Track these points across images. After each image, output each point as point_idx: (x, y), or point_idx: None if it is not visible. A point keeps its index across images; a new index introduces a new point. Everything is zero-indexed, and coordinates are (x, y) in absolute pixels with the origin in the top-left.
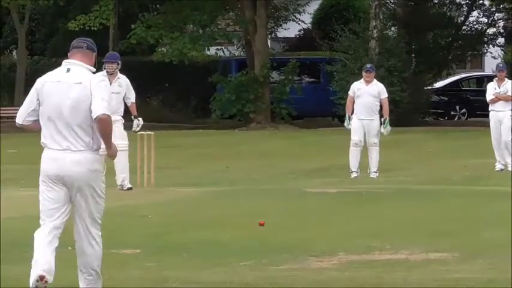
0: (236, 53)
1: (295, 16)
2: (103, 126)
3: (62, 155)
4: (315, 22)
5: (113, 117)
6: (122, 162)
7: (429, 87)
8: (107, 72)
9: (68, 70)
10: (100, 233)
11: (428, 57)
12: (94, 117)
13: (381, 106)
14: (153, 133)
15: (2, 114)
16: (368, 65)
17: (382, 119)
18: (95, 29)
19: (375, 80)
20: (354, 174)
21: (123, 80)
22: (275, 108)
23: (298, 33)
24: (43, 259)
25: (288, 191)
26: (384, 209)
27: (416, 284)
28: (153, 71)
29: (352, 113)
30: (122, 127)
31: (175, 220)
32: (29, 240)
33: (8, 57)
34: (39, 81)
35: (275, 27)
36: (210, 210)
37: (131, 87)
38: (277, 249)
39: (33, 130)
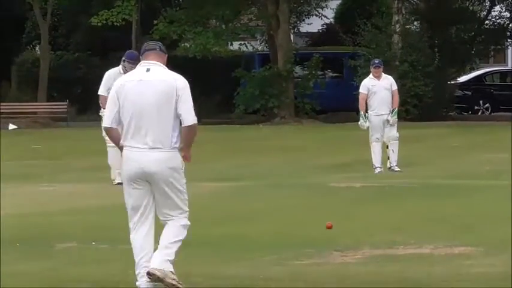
0: (259, 48)
1: (317, 11)
2: (191, 134)
3: (144, 153)
4: (338, 17)
5: None
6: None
7: (452, 82)
8: (125, 71)
9: (148, 70)
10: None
11: (451, 52)
12: (185, 124)
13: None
14: None
15: (25, 110)
16: (376, 61)
17: (391, 109)
18: (118, 24)
19: (383, 74)
20: (378, 170)
21: None
22: (299, 103)
23: (321, 27)
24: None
25: (312, 186)
26: (407, 204)
27: (440, 279)
28: (176, 66)
29: (366, 110)
30: None
31: (200, 215)
32: (50, 235)
33: (30, 53)
34: (118, 82)
35: (298, 22)
36: (234, 205)
37: None
38: (301, 244)
39: (114, 140)
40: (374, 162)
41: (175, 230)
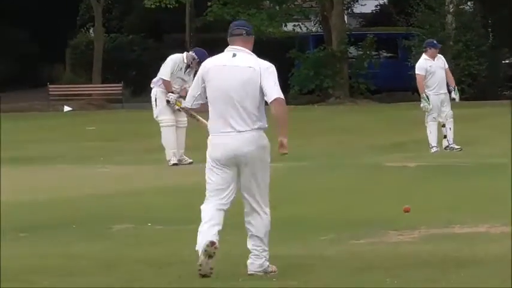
0: (313, 29)
1: None
2: (279, 108)
3: (232, 136)
4: None
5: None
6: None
7: (507, 61)
8: (188, 64)
9: (234, 55)
10: (268, 206)
11: (504, 32)
12: (270, 100)
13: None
14: None
15: (79, 92)
16: (434, 41)
17: (452, 87)
18: (171, 6)
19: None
20: (434, 149)
21: (193, 71)
22: (353, 83)
23: (374, 8)
24: (209, 232)
25: (367, 166)
26: (463, 183)
27: (496, 257)
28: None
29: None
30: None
31: None
32: (106, 217)
33: (84, 35)
34: (204, 66)
35: (351, 2)
36: (289, 186)
37: None
38: (357, 224)
39: (202, 111)
40: (430, 141)
41: (266, 224)
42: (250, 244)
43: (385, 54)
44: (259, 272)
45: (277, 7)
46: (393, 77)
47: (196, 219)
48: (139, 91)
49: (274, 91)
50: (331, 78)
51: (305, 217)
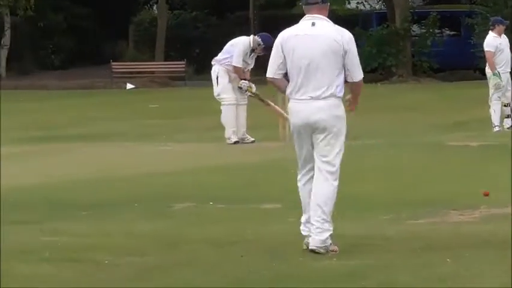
0: (376, 7)
1: None
2: (357, 89)
3: (310, 103)
4: None
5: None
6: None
7: None
8: (254, 51)
9: (313, 24)
10: (337, 179)
11: None
12: (353, 80)
13: None
14: None
15: (142, 69)
16: (501, 18)
17: None
18: None
19: None
20: (497, 128)
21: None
22: (416, 61)
23: None
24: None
25: (429, 145)
26: None
27: None
28: (293, 25)
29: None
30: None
31: None
32: (167, 196)
33: (148, 12)
34: (282, 36)
35: None
36: (350, 164)
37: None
38: (417, 203)
39: (280, 88)
40: (493, 120)
41: (328, 192)
42: (311, 218)
43: (448, 32)
44: (321, 248)
45: None
46: (456, 55)
47: (258, 198)
48: (202, 69)
49: (356, 72)
50: (394, 56)
51: (365, 195)
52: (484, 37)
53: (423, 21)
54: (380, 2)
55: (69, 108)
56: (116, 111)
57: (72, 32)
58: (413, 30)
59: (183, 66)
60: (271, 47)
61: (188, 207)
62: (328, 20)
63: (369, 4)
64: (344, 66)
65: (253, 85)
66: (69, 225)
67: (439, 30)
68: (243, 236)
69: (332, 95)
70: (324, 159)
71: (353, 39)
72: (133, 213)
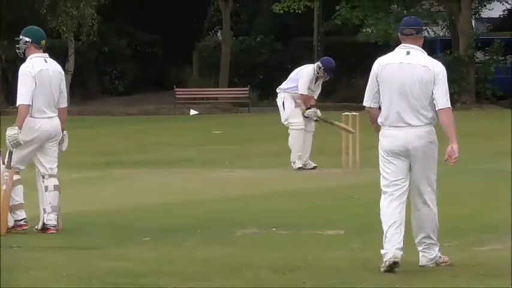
0: (440, 33)
1: None
2: (447, 118)
3: (406, 130)
4: None
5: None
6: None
7: None
8: (318, 74)
9: (408, 53)
10: (436, 201)
11: None
12: (439, 108)
13: None
14: (357, 113)
15: (206, 95)
16: None
17: None
18: (299, 11)
19: None
20: None
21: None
22: (480, 88)
23: (502, 13)
24: (394, 241)
25: (493, 171)
26: None
27: None
28: (358, 52)
29: None
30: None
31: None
32: (231, 221)
33: (212, 38)
34: (379, 64)
35: (479, 7)
36: None
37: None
38: (481, 229)
39: (373, 118)
40: None
41: (431, 220)
42: (417, 239)
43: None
44: (430, 264)
45: (405, 11)
46: None
47: (321, 224)
48: (266, 94)
49: (444, 100)
50: (457, 83)
51: None
52: None
53: (487, 48)
54: (444, 29)
55: (133, 134)
56: (179, 137)
57: (136, 57)
58: (476, 57)
59: (247, 92)
60: (332, 69)
61: (251, 233)
62: (423, 50)
63: (433, 31)
64: (433, 94)
65: (318, 110)
66: (132, 251)
67: (503, 57)
68: (305, 262)
69: (426, 123)
70: (421, 188)
71: (444, 72)
72: (197, 239)
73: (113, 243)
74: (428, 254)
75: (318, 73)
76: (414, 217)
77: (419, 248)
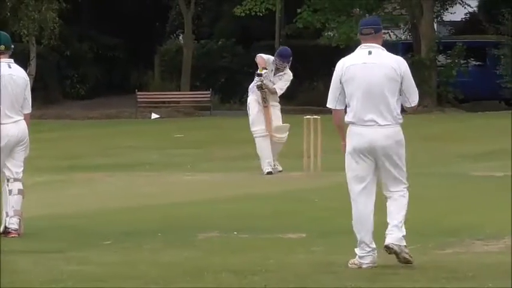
0: (402, 37)
1: (461, 0)
2: (412, 111)
3: (374, 129)
4: (481, 5)
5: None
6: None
7: None
8: (276, 67)
9: (370, 53)
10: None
11: None
12: (410, 104)
13: None
14: (319, 117)
15: (167, 99)
16: None
17: None
18: (261, 14)
19: None
20: None
21: (286, 76)
22: (441, 91)
23: (464, 16)
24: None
25: (453, 175)
26: None
27: None
28: (319, 55)
29: None
30: (280, 115)
31: (341, 204)
32: (192, 225)
33: (174, 42)
34: (342, 65)
35: (441, 10)
36: (376, 194)
37: (287, 82)
38: (443, 233)
39: (338, 120)
40: None
41: (401, 206)
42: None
43: (473, 62)
44: (395, 245)
45: (366, 15)
46: (482, 86)
47: (283, 228)
48: (228, 98)
49: (415, 96)
50: (419, 86)
51: None
52: (510, 68)
53: (449, 52)
54: (406, 32)
55: (95, 138)
56: (141, 141)
57: (98, 61)
58: (438, 61)
59: (209, 95)
60: (285, 55)
61: (212, 237)
62: (383, 48)
63: (395, 34)
64: (401, 92)
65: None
66: (94, 255)
67: (465, 61)
68: (266, 266)
69: (394, 122)
70: (391, 179)
71: (407, 66)
72: (158, 242)
73: (74, 246)
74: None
75: (276, 64)
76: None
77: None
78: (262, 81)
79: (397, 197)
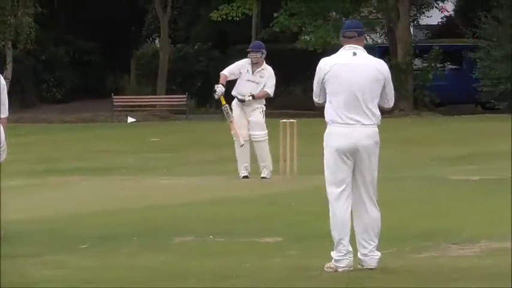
0: (379, 41)
1: (438, 3)
2: (386, 111)
3: (356, 128)
4: (458, 9)
5: (255, 105)
6: (264, 151)
7: None
8: (252, 61)
9: (355, 54)
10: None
11: None
12: (389, 106)
13: None
14: (295, 121)
15: (143, 103)
16: None
17: None
18: (237, 19)
19: None
20: None
21: (266, 72)
22: (418, 95)
23: (440, 20)
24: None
25: (430, 179)
26: None
27: None
28: (296, 59)
29: None
30: (261, 115)
31: (317, 208)
32: (168, 229)
33: (150, 46)
34: (325, 64)
35: (418, 14)
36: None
37: (273, 79)
38: (418, 237)
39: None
40: None
41: (374, 224)
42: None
43: (450, 66)
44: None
45: (343, 19)
46: (458, 90)
47: (259, 232)
48: (204, 102)
49: (393, 98)
50: (396, 90)
51: None
52: (486, 71)
53: (425, 55)
54: (382, 36)
55: (70, 142)
56: (117, 145)
57: (74, 65)
58: (415, 64)
59: (185, 99)
60: (257, 45)
61: (188, 241)
62: (365, 50)
63: (371, 38)
64: (382, 94)
65: (221, 88)
66: (70, 259)
67: (441, 64)
68: (242, 270)
69: (374, 123)
70: (368, 186)
71: (388, 70)
72: (134, 246)
73: (50, 250)
74: (375, 255)
75: (252, 60)
76: (361, 219)
77: (364, 252)
78: (217, 95)
79: (365, 214)
